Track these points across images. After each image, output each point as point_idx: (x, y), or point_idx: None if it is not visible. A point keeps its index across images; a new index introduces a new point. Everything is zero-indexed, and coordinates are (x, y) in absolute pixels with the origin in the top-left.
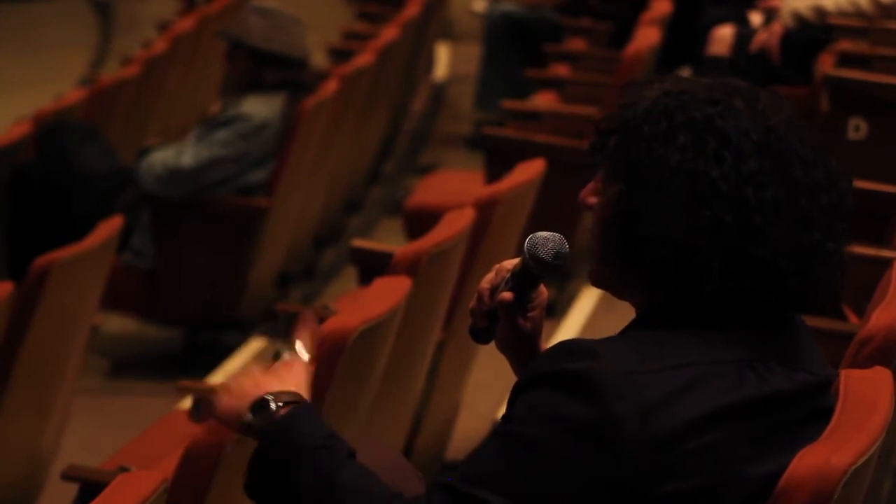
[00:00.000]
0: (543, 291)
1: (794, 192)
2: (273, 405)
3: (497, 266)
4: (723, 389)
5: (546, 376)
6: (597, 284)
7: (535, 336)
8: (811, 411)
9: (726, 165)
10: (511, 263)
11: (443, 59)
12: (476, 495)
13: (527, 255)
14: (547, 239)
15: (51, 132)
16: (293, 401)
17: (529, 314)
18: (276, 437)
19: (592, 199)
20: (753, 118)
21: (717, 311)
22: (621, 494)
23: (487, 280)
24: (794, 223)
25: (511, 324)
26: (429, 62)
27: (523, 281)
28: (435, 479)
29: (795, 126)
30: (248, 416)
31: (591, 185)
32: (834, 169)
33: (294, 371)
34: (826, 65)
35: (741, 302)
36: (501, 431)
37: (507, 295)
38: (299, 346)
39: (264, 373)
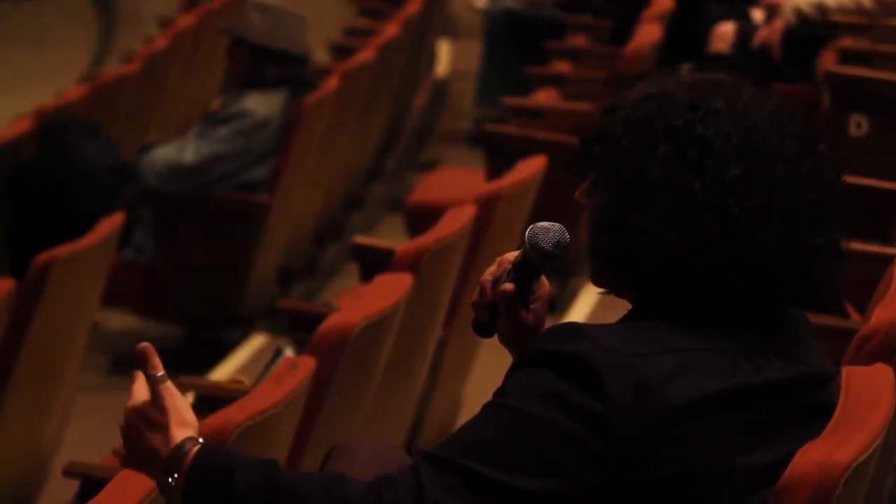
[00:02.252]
0: (545, 284)
1: (778, 193)
2: (177, 461)
3: (499, 258)
4: (717, 376)
5: (540, 356)
6: (597, 284)
7: (537, 329)
8: (809, 405)
9: (708, 175)
10: (513, 255)
11: (444, 56)
12: (461, 464)
13: (528, 245)
14: (548, 229)
15: (52, 129)
16: (193, 442)
17: (531, 306)
18: (199, 475)
19: (586, 200)
20: (734, 120)
21: (713, 309)
22: (608, 476)
23: (490, 273)
24: (780, 224)
25: (513, 316)
26: (430, 59)
27: (525, 271)
28: (421, 450)
29: (778, 121)
30: (165, 480)
31: (584, 186)
32: (822, 160)
33: (168, 407)
34: (828, 62)
35: (736, 301)
36: (491, 404)
37: (508, 286)
38: (158, 375)
39: (143, 427)
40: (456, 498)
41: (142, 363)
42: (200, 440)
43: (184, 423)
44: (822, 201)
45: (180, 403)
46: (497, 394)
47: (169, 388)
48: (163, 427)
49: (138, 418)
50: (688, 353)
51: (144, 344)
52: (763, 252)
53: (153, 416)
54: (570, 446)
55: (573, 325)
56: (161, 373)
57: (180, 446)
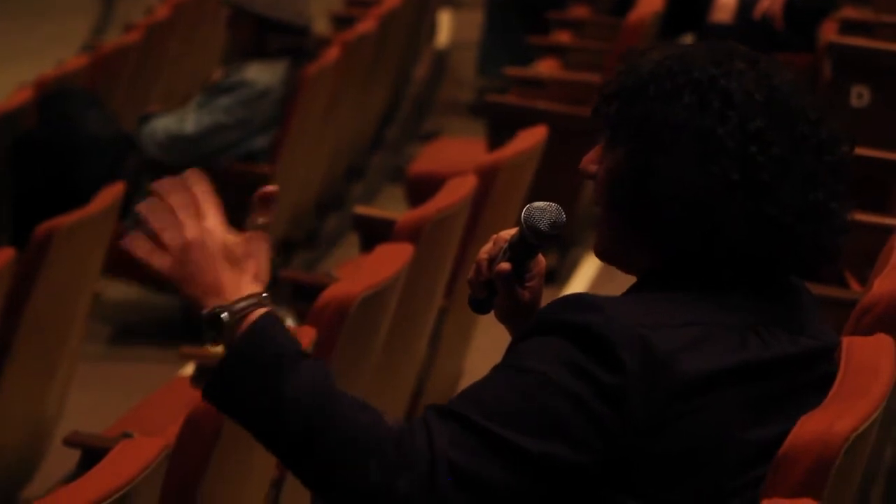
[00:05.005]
0: (541, 261)
1: (799, 150)
2: (237, 308)
3: (495, 236)
4: (727, 351)
5: (553, 325)
6: (602, 255)
7: (534, 306)
8: (815, 377)
9: (731, 124)
10: (509, 233)
11: (445, 26)
12: (472, 419)
13: (524, 226)
14: (544, 209)
15: (54, 99)
16: (259, 304)
17: (528, 284)
18: (250, 342)
19: (594, 167)
20: (756, 78)
21: (721, 276)
22: (614, 446)
23: (486, 251)
24: (800, 181)
25: (510, 294)
26: (431, 29)
27: (521, 251)
28: (431, 404)
29: (798, 87)
30: (213, 316)
31: (592, 153)
32: (836, 131)
33: (255, 253)
34: (829, 32)
35: (745, 266)
36: (502, 365)
37: (504, 266)
38: (259, 222)
39: (222, 256)
40: (465, 452)
41: (256, 206)
42: (265, 296)
43: (259, 278)
44: (838, 168)
45: (264, 259)
46: (508, 356)
47: (266, 238)
48: (241, 270)
49: (218, 245)
50: (698, 327)
51: (273, 189)
52: (781, 207)
53: (238, 253)
54: (582, 413)
55: (585, 296)
56: (267, 221)
57: (247, 299)
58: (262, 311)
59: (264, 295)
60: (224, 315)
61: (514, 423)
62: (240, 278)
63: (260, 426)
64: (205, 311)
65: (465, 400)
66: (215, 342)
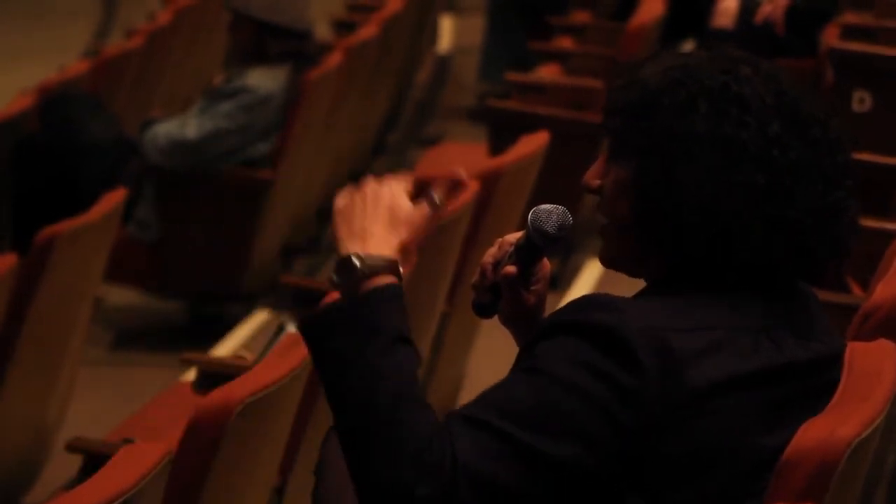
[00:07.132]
0: (546, 264)
1: (815, 152)
2: (371, 264)
3: (499, 240)
4: (740, 356)
5: (570, 325)
6: (608, 262)
7: (538, 309)
8: (824, 382)
9: (752, 129)
10: (514, 237)
11: (447, 31)
12: (492, 423)
13: (530, 228)
14: (550, 211)
15: (57, 103)
16: (391, 271)
17: (533, 287)
18: (366, 303)
19: (597, 182)
20: (764, 83)
21: (731, 280)
22: (630, 447)
23: (490, 254)
24: (818, 182)
25: (515, 297)
26: (433, 34)
27: (527, 254)
28: (450, 411)
29: (802, 88)
30: (347, 258)
31: (595, 168)
32: (840, 130)
33: (415, 223)
34: (831, 37)
35: (756, 269)
36: (523, 367)
37: (510, 269)
38: (436, 198)
39: (385, 211)
40: (486, 458)
41: (442, 183)
42: (399, 268)
43: (405, 248)
44: (849, 166)
45: (420, 232)
46: (526, 357)
47: (433, 216)
48: (396, 233)
49: (387, 204)
50: (714, 331)
51: (466, 177)
52: (803, 210)
53: (401, 217)
54: (601, 416)
55: (602, 297)
56: (441, 202)
57: (384, 260)
58: (390, 279)
59: (397, 264)
60: (357, 263)
61: (535, 427)
62: (389, 239)
63: (336, 378)
64: (343, 254)
65: (485, 405)
66: (337, 286)
